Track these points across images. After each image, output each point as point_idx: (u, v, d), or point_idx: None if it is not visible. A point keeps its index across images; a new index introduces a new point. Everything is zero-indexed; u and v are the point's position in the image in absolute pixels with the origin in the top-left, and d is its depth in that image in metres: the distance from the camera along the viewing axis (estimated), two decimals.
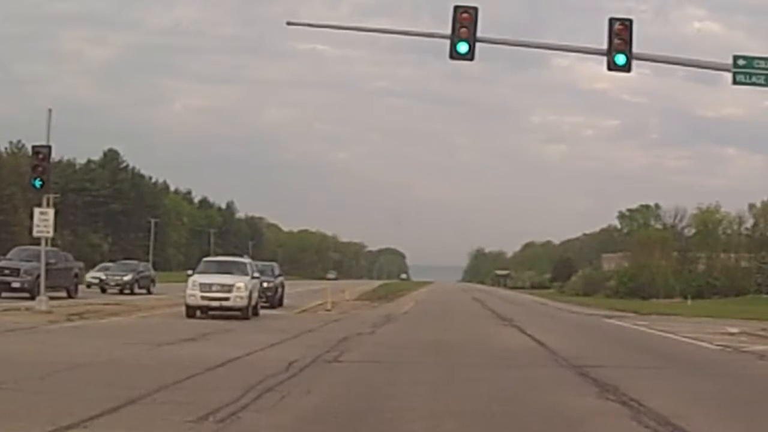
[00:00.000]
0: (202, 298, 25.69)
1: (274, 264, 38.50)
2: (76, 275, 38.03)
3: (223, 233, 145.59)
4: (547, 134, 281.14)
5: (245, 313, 25.86)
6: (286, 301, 36.96)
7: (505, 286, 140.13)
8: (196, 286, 25.83)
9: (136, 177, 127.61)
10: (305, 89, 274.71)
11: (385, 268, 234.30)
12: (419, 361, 15.71)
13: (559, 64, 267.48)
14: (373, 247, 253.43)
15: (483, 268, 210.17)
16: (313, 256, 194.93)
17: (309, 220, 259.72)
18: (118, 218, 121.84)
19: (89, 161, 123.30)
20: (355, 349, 17.41)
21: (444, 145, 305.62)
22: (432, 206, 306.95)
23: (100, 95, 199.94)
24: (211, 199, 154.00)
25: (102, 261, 65.09)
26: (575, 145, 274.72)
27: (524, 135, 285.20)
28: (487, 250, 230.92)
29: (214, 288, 25.60)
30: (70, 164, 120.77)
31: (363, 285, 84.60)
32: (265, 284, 32.05)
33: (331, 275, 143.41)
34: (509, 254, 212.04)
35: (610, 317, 38.59)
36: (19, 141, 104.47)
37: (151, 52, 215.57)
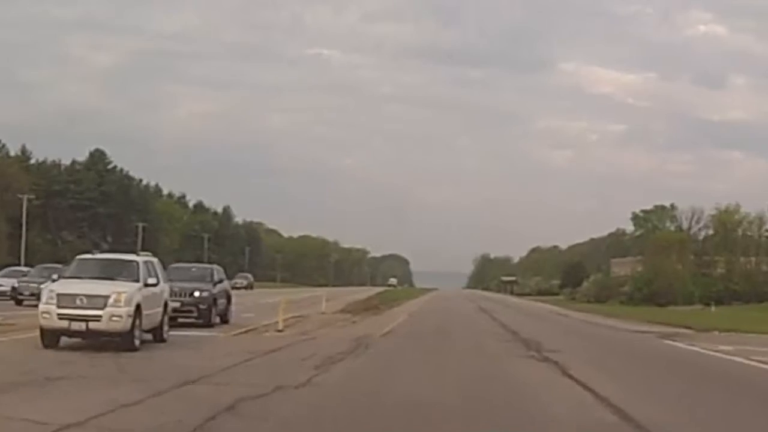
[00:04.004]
0: (60, 317, 17.14)
1: (215, 267, 29.33)
2: None
3: (219, 239, 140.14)
4: (553, 139, 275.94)
5: (127, 340, 17.47)
6: (245, 315, 30.36)
7: (511, 292, 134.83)
8: (53, 298, 17.35)
9: (125, 179, 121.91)
10: (308, 94, 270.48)
11: (388, 275, 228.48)
12: None
13: (564, 69, 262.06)
14: (376, 253, 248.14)
15: (488, 274, 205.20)
16: (313, 262, 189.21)
17: (312, 226, 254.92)
18: (105, 222, 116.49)
19: (74, 162, 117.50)
20: None
21: (448, 151, 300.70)
22: (436, 212, 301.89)
23: (100, 100, 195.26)
24: (207, 204, 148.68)
25: None
26: (581, 150, 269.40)
27: (529, 140, 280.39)
28: (492, 256, 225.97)
29: (77, 301, 17.21)
30: (55, 165, 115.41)
31: (358, 293, 78.02)
32: (196, 294, 25.56)
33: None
34: (515, 260, 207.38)
35: (667, 337, 29.21)
36: None
37: (154, 57, 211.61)
